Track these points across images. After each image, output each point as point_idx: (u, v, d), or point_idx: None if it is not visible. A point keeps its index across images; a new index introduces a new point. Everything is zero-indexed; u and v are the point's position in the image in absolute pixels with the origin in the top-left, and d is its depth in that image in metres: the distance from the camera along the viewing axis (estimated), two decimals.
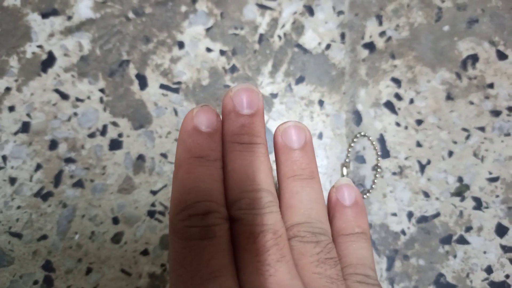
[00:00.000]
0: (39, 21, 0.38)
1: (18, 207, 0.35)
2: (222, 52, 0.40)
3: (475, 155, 0.39)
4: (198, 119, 0.22)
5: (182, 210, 0.21)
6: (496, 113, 0.40)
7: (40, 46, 0.38)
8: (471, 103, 0.40)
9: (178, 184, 0.21)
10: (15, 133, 0.36)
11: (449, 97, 0.40)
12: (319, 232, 0.23)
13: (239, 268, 0.21)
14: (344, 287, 0.22)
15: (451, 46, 0.41)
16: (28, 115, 0.37)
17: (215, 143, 0.22)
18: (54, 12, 0.39)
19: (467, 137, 0.40)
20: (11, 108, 0.37)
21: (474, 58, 0.41)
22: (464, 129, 0.40)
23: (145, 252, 0.36)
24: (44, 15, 0.39)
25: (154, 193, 0.37)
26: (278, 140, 0.25)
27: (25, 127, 0.36)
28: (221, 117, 0.23)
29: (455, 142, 0.40)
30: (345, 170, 0.38)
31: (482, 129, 0.40)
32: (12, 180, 0.35)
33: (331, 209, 0.26)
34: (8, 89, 0.37)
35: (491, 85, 0.40)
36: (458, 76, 0.41)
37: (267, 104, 0.39)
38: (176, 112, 0.38)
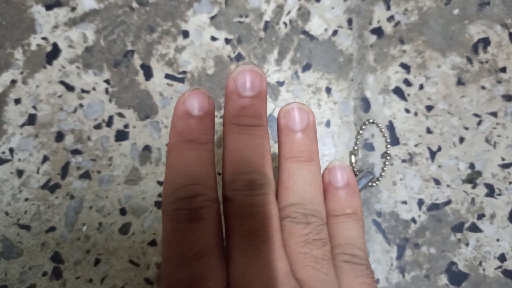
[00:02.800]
0: (43, 13, 0.38)
1: (26, 199, 0.35)
2: (227, 41, 0.39)
3: (487, 141, 0.39)
4: (189, 102, 0.22)
5: (172, 193, 0.21)
6: (508, 97, 0.39)
7: (44, 38, 0.38)
8: (483, 88, 0.39)
9: (169, 168, 0.22)
10: (22, 126, 0.36)
11: (460, 82, 0.39)
12: (311, 213, 0.23)
13: (228, 248, 0.21)
14: (330, 267, 0.22)
15: (461, 30, 0.40)
16: (34, 107, 0.37)
17: (206, 126, 0.22)
18: (58, 4, 0.39)
19: (479, 123, 0.39)
20: (17, 101, 0.37)
21: (485, 42, 0.40)
22: (476, 115, 0.39)
23: (153, 243, 0.36)
24: (48, 7, 0.38)
25: (161, 183, 0.36)
26: (281, 121, 0.24)
27: (31, 120, 0.36)
28: (219, 100, 0.24)
29: (466, 128, 0.39)
30: (353, 158, 0.38)
31: (494, 114, 0.39)
32: (20, 173, 0.36)
33: (324, 191, 0.26)
34: (13, 82, 0.37)
35: (503, 69, 0.39)
36: (469, 60, 0.40)
37: (273, 92, 0.39)
38: None
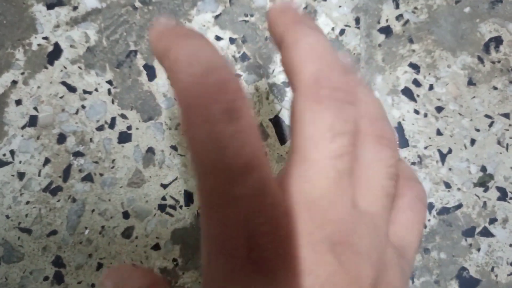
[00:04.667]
0: (44, 12, 0.38)
1: (27, 202, 0.35)
2: (232, 40, 0.38)
3: (499, 143, 0.38)
4: (157, 24, 0.17)
5: (197, 82, 0.15)
6: None
7: (46, 38, 0.37)
8: (495, 88, 0.38)
9: (179, 59, 0.16)
10: (23, 127, 0.36)
11: (471, 83, 0.38)
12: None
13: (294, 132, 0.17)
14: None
15: (472, 29, 0.39)
16: (35, 108, 0.36)
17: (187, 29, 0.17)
18: (60, 3, 0.38)
19: (491, 124, 0.38)
20: (18, 102, 0.36)
21: (497, 41, 0.39)
22: (487, 116, 0.38)
23: (156, 247, 0.35)
24: (49, 6, 0.38)
25: (164, 186, 0.36)
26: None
27: (32, 121, 0.36)
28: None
29: (477, 130, 0.38)
30: None
31: (506, 115, 0.38)
32: (21, 175, 0.35)
33: None
34: (14, 83, 0.36)
35: None
36: (481, 60, 0.39)
37: (279, 92, 0.38)
38: None
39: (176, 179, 0.36)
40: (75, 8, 0.38)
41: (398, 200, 0.20)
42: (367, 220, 0.17)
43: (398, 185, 0.20)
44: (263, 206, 0.16)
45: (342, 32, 0.39)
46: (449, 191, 0.37)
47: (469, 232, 0.36)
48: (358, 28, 0.39)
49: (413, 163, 0.37)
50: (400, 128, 0.38)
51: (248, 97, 0.37)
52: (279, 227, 0.16)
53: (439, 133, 0.38)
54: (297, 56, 0.18)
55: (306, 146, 0.17)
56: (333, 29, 0.39)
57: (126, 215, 0.35)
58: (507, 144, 0.37)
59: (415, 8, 0.40)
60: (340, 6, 0.39)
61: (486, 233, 0.36)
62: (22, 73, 0.36)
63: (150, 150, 0.36)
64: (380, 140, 0.18)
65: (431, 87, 0.38)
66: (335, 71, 0.17)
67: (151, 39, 0.17)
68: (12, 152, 0.35)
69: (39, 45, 0.37)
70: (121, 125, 0.36)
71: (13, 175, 0.35)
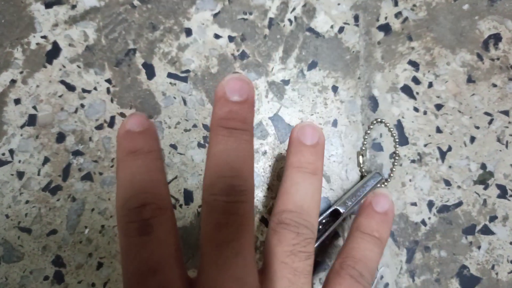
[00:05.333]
0: (42, 11, 0.37)
1: (27, 202, 0.34)
2: (231, 38, 0.38)
3: (499, 140, 0.37)
4: (129, 123, 0.23)
5: (122, 206, 0.21)
6: None
7: (44, 37, 0.37)
8: (494, 85, 0.38)
9: (118, 183, 0.22)
10: (22, 126, 0.35)
11: (470, 80, 0.38)
12: (304, 224, 0.24)
13: (200, 254, 0.22)
14: (307, 281, 0.23)
15: (471, 26, 0.39)
16: (34, 107, 0.36)
17: (147, 138, 0.23)
18: (58, 1, 0.38)
19: (490, 122, 0.38)
20: (17, 101, 0.36)
21: (496, 38, 0.39)
22: (487, 113, 0.38)
23: None
24: (48, 5, 0.38)
25: None
26: (294, 134, 0.26)
27: (31, 120, 0.36)
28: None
29: (477, 127, 0.38)
30: (361, 159, 0.37)
31: (506, 113, 0.38)
32: (20, 174, 0.35)
33: (360, 209, 0.28)
34: (13, 82, 0.36)
35: None
36: (480, 57, 0.39)
37: (278, 91, 0.38)
38: (185, 102, 0.37)
39: (175, 177, 0.36)
40: (73, 6, 0.38)
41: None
42: None
43: None
44: None
45: (341, 30, 0.39)
46: (449, 189, 0.37)
47: (470, 230, 0.36)
48: (357, 25, 0.39)
49: (413, 161, 0.37)
50: (399, 126, 0.38)
51: None
52: None
53: (438, 130, 0.38)
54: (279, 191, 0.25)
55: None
56: (332, 27, 0.39)
57: None
58: (507, 142, 0.37)
59: (414, 5, 0.40)
60: (339, 4, 0.39)
61: (486, 231, 0.36)
62: (21, 72, 0.36)
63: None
64: (285, 226, 0.24)
65: (430, 85, 0.38)
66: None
67: (119, 134, 0.23)
68: (11, 152, 0.35)
69: (37, 44, 0.37)
70: (120, 124, 0.36)
71: (12, 175, 0.35)
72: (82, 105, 0.36)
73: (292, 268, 0.22)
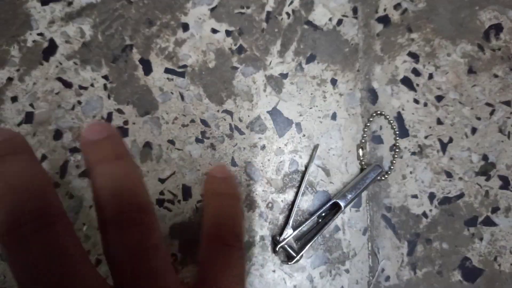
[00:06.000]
0: (38, 8, 0.37)
1: None
2: (228, 33, 0.38)
3: (500, 131, 0.37)
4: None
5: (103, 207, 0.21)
6: None
7: (41, 34, 0.37)
8: (495, 76, 0.38)
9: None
10: (19, 124, 0.35)
11: (471, 71, 0.38)
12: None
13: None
14: None
15: (472, 16, 0.39)
16: (31, 105, 0.36)
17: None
18: None
19: (492, 113, 0.37)
20: (14, 99, 0.36)
21: (497, 28, 0.39)
22: (488, 104, 0.37)
23: None
24: (44, 2, 0.37)
25: (162, 181, 0.35)
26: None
27: (28, 118, 0.36)
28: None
29: (478, 118, 0.37)
30: (361, 151, 0.36)
31: (507, 103, 0.37)
32: None
33: None
34: (10, 79, 0.36)
35: None
36: (481, 48, 0.38)
37: (277, 85, 0.37)
38: (182, 97, 0.37)
39: (174, 173, 0.35)
40: (69, 3, 0.38)
41: None
42: None
43: None
44: None
45: (339, 22, 0.39)
46: (450, 180, 0.36)
47: (471, 222, 0.36)
48: (356, 18, 0.39)
49: (414, 153, 0.37)
50: (399, 118, 0.37)
51: (246, 90, 0.37)
52: None
53: (439, 122, 0.37)
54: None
55: None
56: (330, 19, 0.39)
57: None
58: (509, 132, 0.37)
59: None
60: None
61: (488, 222, 0.36)
62: (18, 70, 0.36)
63: (147, 145, 0.36)
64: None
65: (430, 76, 0.38)
66: None
67: (82, 141, 0.23)
68: None
69: (34, 41, 0.37)
70: (117, 120, 0.36)
71: None
72: (79, 102, 0.36)
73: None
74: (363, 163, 0.36)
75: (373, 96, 0.38)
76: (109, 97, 0.36)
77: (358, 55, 0.38)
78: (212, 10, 0.38)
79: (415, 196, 0.36)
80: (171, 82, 0.37)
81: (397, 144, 0.37)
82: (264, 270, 0.35)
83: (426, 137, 0.37)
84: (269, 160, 0.36)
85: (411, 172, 0.36)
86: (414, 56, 0.38)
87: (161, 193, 0.35)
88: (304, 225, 0.34)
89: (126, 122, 0.36)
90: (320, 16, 0.39)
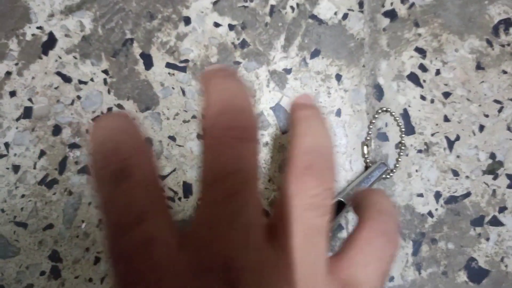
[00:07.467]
0: (38, 1, 0.37)
1: (22, 196, 0.34)
2: (231, 27, 0.37)
3: (509, 129, 0.36)
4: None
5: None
6: None
7: (40, 28, 0.36)
8: (504, 72, 0.37)
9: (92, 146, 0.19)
10: (17, 119, 0.35)
11: (479, 67, 0.37)
12: (327, 167, 0.21)
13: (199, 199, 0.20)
14: (323, 240, 0.20)
15: (481, 11, 0.38)
16: (30, 100, 0.35)
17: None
18: None
19: (500, 110, 0.36)
20: (12, 93, 0.35)
21: (507, 23, 0.38)
22: (497, 101, 0.37)
23: None
24: None
25: (163, 178, 0.35)
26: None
27: (27, 113, 0.35)
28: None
29: (486, 116, 0.36)
30: (366, 149, 0.36)
31: None
32: (16, 168, 0.34)
33: None
34: (8, 74, 0.35)
35: None
36: (489, 43, 0.37)
37: (280, 80, 0.37)
38: (183, 92, 0.36)
39: (174, 170, 0.35)
40: None
41: (356, 234, 0.21)
42: (280, 254, 0.18)
43: (363, 217, 0.21)
44: (150, 255, 0.16)
45: (345, 16, 0.38)
46: (457, 179, 0.36)
47: (478, 221, 0.35)
48: (362, 12, 0.38)
49: (420, 151, 0.36)
50: (406, 115, 0.36)
51: (248, 85, 0.36)
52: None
53: (446, 119, 0.36)
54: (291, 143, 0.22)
55: None
56: (335, 13, 0.38)
57: None
58: None
59: None
60: None
61: (495, 222, 0.35)
62: (16, 64, 0.35)
63: (148, 141, 0.35)
64: (304, 171, 0.20)
65: (438, 72, 0.37)
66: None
67: (91, 132, 0.19)
68: (6, 145, 0.34)
69: (33, 35, 0.36)
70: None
71: (8, 168, 0.34)
72: (79, 97, 0.35)
73: (308, 225, 0.19)
74: (368, 160, 0.36)
75: (378, 92, 0.37)
76: (109, 92, 0.36)
77: (363, 50, 0.37)
78: (214, 3, 0.37)
79: (420, 195, 0.35)
80: (172, 77, 0.36)
81: (403, 141, 0.36)
82: None
83: (432, 135, 0.36)
84: (271, 157, 0.35)
85: (416, 170, 0.36)
86: (421, 51, 0.37)
87: None
88: None
89: None
90: (325, 10, 0.38)
